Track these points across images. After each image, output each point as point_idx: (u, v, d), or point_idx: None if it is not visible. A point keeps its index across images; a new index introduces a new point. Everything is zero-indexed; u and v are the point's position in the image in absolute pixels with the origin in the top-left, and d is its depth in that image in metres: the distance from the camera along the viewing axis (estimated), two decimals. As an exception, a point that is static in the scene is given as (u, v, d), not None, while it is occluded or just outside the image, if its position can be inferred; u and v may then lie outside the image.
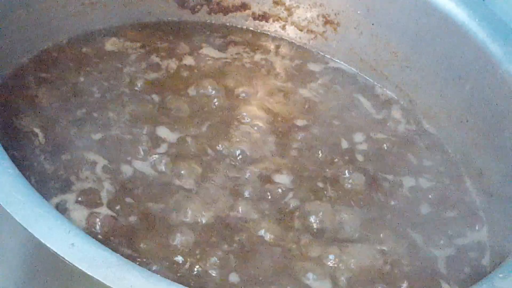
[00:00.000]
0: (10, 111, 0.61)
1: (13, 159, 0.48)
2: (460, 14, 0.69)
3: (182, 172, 0.60)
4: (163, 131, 0.63)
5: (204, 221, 0.58)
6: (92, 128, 0.62)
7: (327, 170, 0.64)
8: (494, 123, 0.66)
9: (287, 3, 0.76)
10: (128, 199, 0.58)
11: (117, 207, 0.57)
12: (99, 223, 0.55)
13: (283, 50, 0.76)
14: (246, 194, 0.61)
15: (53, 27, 0.67)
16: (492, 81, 0.66)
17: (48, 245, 0.43)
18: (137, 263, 0.53)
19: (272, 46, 0.76)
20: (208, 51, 0.72)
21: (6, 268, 0.48)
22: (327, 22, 0.76)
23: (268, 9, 0.76)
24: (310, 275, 0.56)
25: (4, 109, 0.61)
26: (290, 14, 0.76)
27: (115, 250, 0.45)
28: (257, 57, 0.74)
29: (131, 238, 0.55)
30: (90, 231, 0.54)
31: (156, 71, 0.69)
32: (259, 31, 0.77)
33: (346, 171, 0.65)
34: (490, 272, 0.56)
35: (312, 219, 0.60)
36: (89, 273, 0.43)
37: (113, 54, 0.69)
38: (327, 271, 0.57)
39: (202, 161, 0.62)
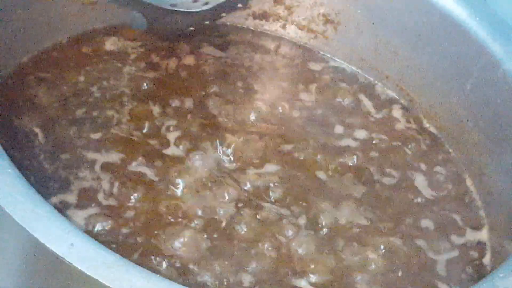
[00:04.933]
0: (10, 111, 0.61)
1: (13, 159, 0.48)
2: (461, 13, 0.69)
3: (184, 170, 0.60)
4: (162, 130, 0.63)
5: (206, 221, 0.57)
6: (92, 127, 0.62)
7: (327, 169, 0.64)
8: (495, 122, 0.66)
9: (287, 2, 0.76)
10: (128, 199, 0.57)
11: (117, 207, 0.57)
12: (99, 223, 0.55)
13: (283, 49, 0.76)
14: (244, 190, 0.61)
15: (53, 27, 0.67)
16: (493, 80, 0.66)
17: (47, 245, 0.43)
18: (137, 263, 0.53)
19: (272, 46, 0.76)
20: (208, 50, 0.72)
21: (5, 268, 0.48)
22: (327, 21, 0.76)
23: (268, 8, 0.76)
24: (310, 275, 0.56)
25: (4, 109, 0.61)
26: (290, 13, 0.76)
27: (114, 250, 0.45)
28: (257, 56, 0.74)
29: (130, 238, 0.55)
30: (89, 231, 0.54)
31: (156, 70, 0.69)
32: (259, 30, 0.77)
33: (346, 170, 0.65)
34: (490, 272, 0.56)
35: (310, 218, 0.60)
36: (88, 273, 0.43)
37: (113, 54, 0.69)
38: (326, 271, 0.57)
39: (203, 160, 0.62)
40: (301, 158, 0.65)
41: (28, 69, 0.65)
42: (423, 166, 0.68)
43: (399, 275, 0.59)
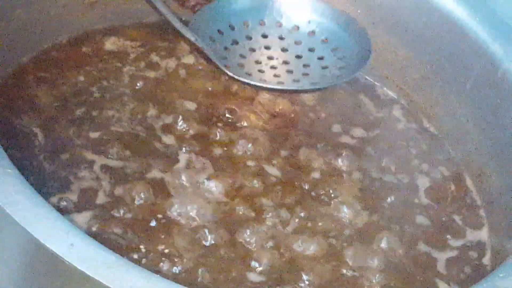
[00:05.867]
0: (10, 111, 0.61)
1: (13, 159, 0.48)
2: (461, 13, 0.69)
3: (183, 170, 0.60)
4: (162, 130, 0.63)
5: (207, 219, 0.57)
6: (92, 127, 0.62)
7: (326, 168, 0.64)
8: (494, 123, 0.66)
9: (287, 2, 0.76)
10: (127, 199, 0.57)
11: (117, 207, 0.57)
12: (99, 223, 0.55)
13: (284, 49, 0.76)
14: (243, 189, 0.61)
15: (53, 27, 0.67)
16: (493, 80, 0.66)
17: (47, 245, 0.43)
18: (137, 262, 0.53)
19: (272, 45, 0.76)
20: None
21: (5, 268, 0.48)
22: (327, 21, 0.75)
23: (269, 9, 0.76)
24: (309, 275, 0.56)
25: (4, 109, 0.61)
26: (291, 13, 0.76)
27: (114, 250, 0.45)
28: (258, 56, 0.74)
29: (131, 238, 0.55)
30: (89, 231, 0.54)
31: (155, 70, 0.69)
32: (259, 30, 0.77)
33: (346, 171, 0.65)
34: (490, 272, 0.56)
35: (309, 217, 0.60)
36: (88, 273, 0.43)
37: (113, 54, 0.69)
38: (325, 270, 0.57)
39: (203, 160, 0.62)
40: (300, 157, 0.65)
41: (28, 69, 0.65)
42: (423, 166, 0.68)
43: (399, 274, 0.58)
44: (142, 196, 0.58)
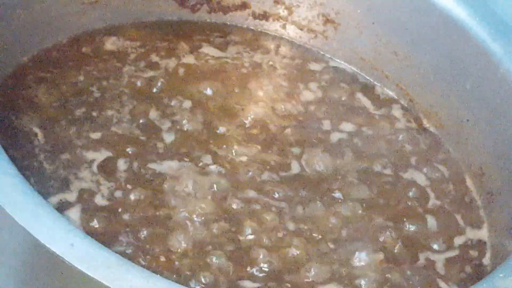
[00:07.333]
0: (10, 111, 0.61)
1: (13, 159, 0.48)
2: (461, 13, 0.69)
3: (182, 171, 0.60)
4: (162, 130, 0.63)
5: (207, 218, 0.57)
6: (92, 127, 0.62)
7: (326, 168, 0.64)
8: (494, 122, 0.66)
9: (287, 2, 0.76)
10: (127, 199, 0.57)
11: (117, 207, 0.57)
12: (99, 223, 0.55)
13: (283, 49, 0.76)
14: (243, 190, 0.61)
15: (53, 27, 0.67)
16: (493, 80, 0.66)
17: (47, 245, 0.43)
18: (137, 262, 0.53)
19: (272, 46, 0.76)
20: (208, 50, 0.72)
21: (5, 268, 0.48)
22: (327, 21, 0.76)
23: (268, 8, 0.76)
24: (311, 272, 0.56)
25: (4, 109, 0.61)
26: (290, 13, 0.76)
27: (114, 250, 0.45)
28: (257, 56, 0.74)
29: (130, 238, 0.55)
30: (89, 231, 0.54)
31: (155, 70, 0.69)
32: (259, 30, 0.77)
33: (345, 170, 0.65)
34: (490, 272, 0.56)
35: (308, 217, 0.60)
36: (88, 273, 0.43)
37: (113, 54, 0.69)
38: (326, 270, 0.57)
39: (201, 160, 0.62)
40: (298, 155, 0.65)
41: (28, 69, 0.65)
42: (423, 166, 0.68)
43: (398, 274, 0.58)
44: (142, 196, 0.58)
